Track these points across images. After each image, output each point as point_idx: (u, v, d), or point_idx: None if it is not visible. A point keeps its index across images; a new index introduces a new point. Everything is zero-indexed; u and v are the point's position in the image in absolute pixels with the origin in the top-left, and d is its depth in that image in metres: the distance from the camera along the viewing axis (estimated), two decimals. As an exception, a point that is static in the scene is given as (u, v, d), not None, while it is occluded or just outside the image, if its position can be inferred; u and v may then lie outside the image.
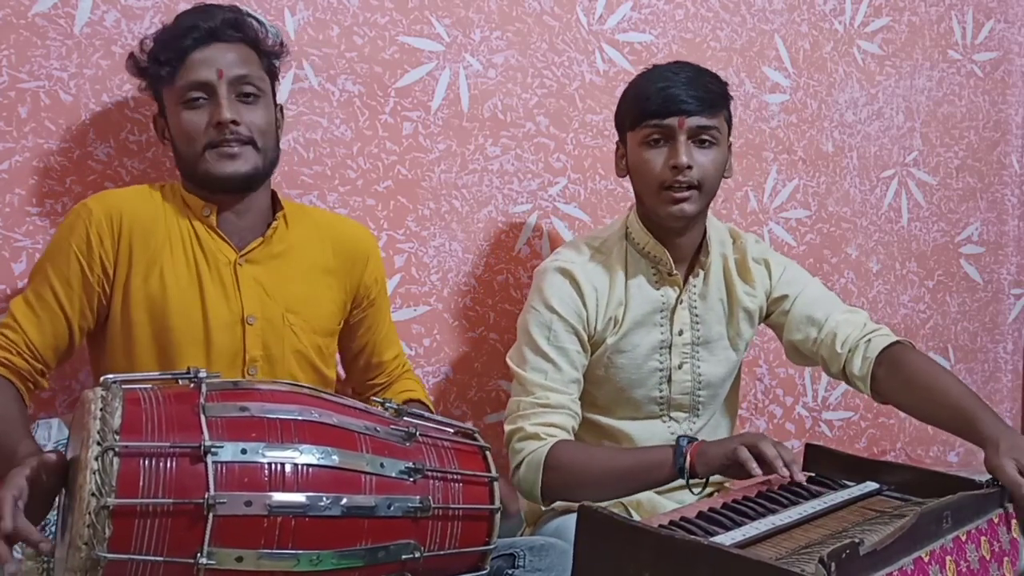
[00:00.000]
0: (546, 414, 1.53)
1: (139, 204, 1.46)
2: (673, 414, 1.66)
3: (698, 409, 1.68)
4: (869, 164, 2.40)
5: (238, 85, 1.43)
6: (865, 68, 2.38)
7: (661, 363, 1.64)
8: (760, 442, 1.36)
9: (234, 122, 1.41)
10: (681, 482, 1.45)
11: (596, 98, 2.05)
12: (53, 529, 1.24)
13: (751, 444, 1.36)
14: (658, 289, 1.64)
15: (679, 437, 1.44)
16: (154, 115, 1.53)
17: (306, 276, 1.54)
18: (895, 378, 1.57)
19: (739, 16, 2.21)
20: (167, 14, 1.67)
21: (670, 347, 1.64)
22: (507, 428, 1.56)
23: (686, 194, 1.54)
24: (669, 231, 1.60)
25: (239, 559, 1.00)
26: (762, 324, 1.75)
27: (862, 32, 2.37)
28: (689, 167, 1.52)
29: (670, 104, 1.51)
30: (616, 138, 1.65)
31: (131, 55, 1.50)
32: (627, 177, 1.63)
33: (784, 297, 1.69)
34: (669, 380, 1.64)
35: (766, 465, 1.35)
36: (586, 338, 1.60)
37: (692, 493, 1.41)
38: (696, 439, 1.45)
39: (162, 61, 1.43)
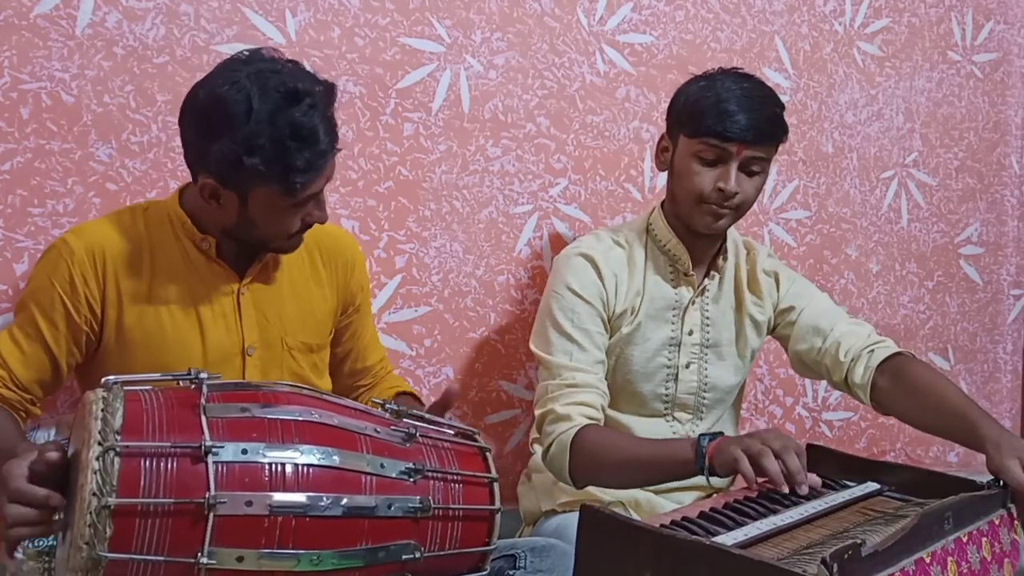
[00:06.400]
0: (575, 393, 1.53)
1: (121, 237, 1.40)
2: (677, 414, 1.67)
3: (702, 411, 1.69)
4: (869, 165, 2.40)
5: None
6: (865, 69, 2.38)
7: (669, 360, 1.65)
8: (764, 458, 1.27)
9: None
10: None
11: (596, 99, 2.05)
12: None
13: (755, 455, 1.28)
14: (674, 287, 1.66)
15: (701, 435, 1.39)
16: (210, 183, 1.33)
17: (300, 292, 1.52)
18: (896, 387, 1.58)
19: (739, 17, 2.21)
20: (168, 15, 1.67)
21: (679, 345, 1.66)
22: (537, 412, 1.57)
23: (724, 211, 1.56)
24: (694, 234, 1.62)
25: (240, 559, 1.00)
26: (769, 336, 1.77)
27: (862, 33, 2.37)
28: (735, 193, 1.54)
29: (734, 130, 1.50)
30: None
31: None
32: (665, 171, 1.64)
33: (791, 309, 1.71)
34: (676, 379, 1.66)
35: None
36: (607, 320, 1.62)
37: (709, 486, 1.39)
38: (717, 435, 1.39)
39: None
